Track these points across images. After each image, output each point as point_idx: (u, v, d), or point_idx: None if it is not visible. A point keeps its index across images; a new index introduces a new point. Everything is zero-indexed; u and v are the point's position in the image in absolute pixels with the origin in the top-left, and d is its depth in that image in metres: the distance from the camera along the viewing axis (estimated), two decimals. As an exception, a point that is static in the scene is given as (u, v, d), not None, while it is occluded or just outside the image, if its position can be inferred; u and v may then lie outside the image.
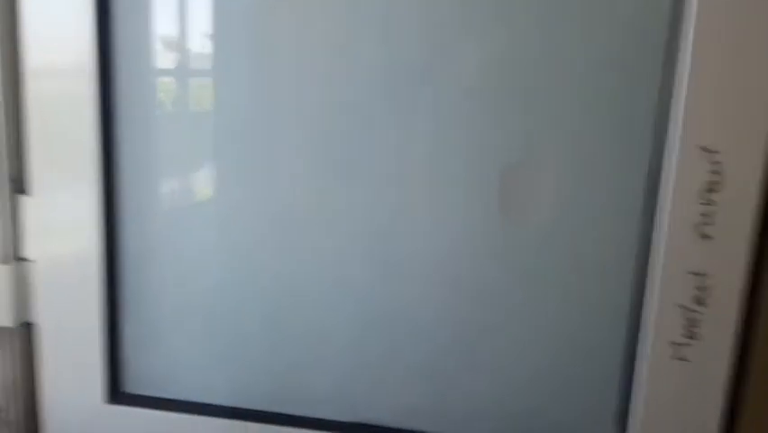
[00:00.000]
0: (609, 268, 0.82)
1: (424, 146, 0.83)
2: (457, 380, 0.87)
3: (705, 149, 0.76)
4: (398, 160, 0.83)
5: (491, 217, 0.82)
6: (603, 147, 0.79)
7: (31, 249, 0.94)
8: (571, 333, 0.84)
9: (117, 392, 0.95)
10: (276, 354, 0.91)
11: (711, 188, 0.77)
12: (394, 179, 0.84)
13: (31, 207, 0.92)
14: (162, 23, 0.89)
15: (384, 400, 0.89)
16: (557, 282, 0.83)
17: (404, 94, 0.81)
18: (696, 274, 0.78)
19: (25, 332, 0.97)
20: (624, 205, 0.80)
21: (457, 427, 0.88)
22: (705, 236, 0.77)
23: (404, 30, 0.80)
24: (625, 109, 0.78)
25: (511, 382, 0.86)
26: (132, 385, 0.95)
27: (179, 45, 0.90)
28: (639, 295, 0.80)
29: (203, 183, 0.92)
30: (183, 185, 0.93)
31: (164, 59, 0.90)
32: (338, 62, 0.83)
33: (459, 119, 0.81)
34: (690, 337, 0.79)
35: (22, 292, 0.95)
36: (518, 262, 0.83)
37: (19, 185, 0.93)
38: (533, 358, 0.85)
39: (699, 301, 0.79)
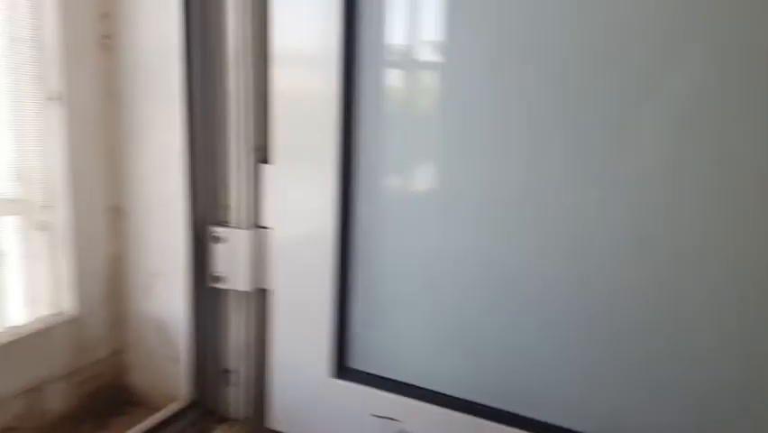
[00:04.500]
0: None
1: (665, 139, 0.72)
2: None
3: None
4: (638, 153, 0.73)
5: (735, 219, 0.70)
6: None
7: (269, 217, 0.95)
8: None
9: (343, 367, 0.93)
10: (503, 349, 0.84)
11: None
12: (635, 175, 0.74)
13: (272, 175, 0.93)
14: (404, 16, 0.86)
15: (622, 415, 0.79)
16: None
17: (647, 84, 0.71)
18: None
19: (260, 298, 0.98)
20: None
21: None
22: None
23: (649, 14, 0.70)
24: None
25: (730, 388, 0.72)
26: (357, 361, 0.93)
27: (419, 37, 0.86)
28: None
29: (435, 171, 0.87)
30: (416, 170, 0.89)
31: (405, 49, 0.87)
32: (580, 46, 0.74)
33: (705, 116, 0.69)
34: None
35: (259, 259, 0.96)
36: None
37: (262, 154, 0.94)
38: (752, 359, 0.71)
39: None
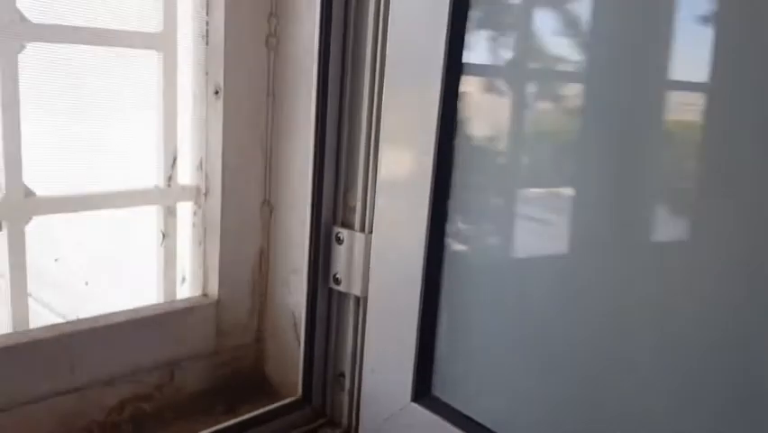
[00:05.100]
0: None
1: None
2: None
3: None
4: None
5: None
6: None
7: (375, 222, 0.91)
8: None
9: (424, 393, 0.86)
10: (592, 409, 0.69)
11: None
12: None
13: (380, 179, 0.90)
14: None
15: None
16: None
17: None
18: None
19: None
20: None
21: None
22: None
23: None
24: None
25: None
26: (440, 390, 0.85)
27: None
28: None
29: (535, 210, 0.76)
30: (511, 192, 0.79)
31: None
32: None
33: None
34: None
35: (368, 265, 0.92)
36: None
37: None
38: None
39: None
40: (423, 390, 0.85)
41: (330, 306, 0.97)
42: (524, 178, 0.77)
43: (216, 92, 1.02)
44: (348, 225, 0.94)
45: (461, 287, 0.82)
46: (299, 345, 1.02)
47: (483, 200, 0.80)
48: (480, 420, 0.78)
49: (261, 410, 0.96)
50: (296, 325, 1.05)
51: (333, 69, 0.92)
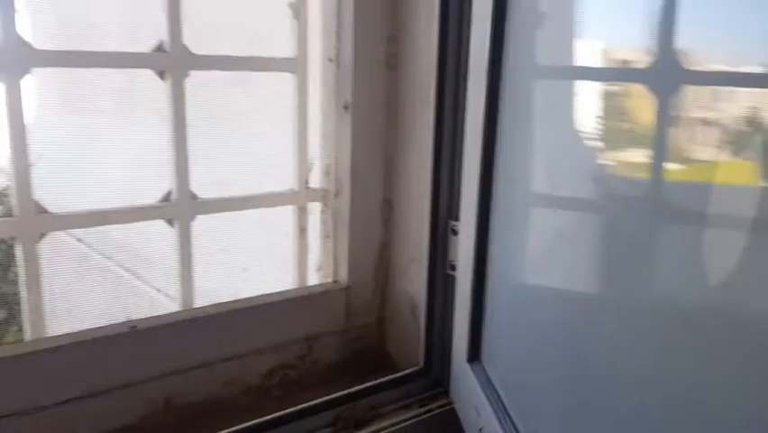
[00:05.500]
0: None
1: None
2: None
3: None
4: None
5: None
6: None
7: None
8: None
9: (474, 357, 1.04)
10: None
11: None
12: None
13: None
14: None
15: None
16: None
17: None
18: None
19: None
20: None
21: None
22: None
23: None
24: None
25: None
26: (486, 358, 1.02)
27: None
28: None
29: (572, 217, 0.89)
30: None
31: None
32: None
33: None
34: None
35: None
36: None
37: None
38: None
39: None
40: (474, 355, 1.03)
41: (446, 289, 1.13)
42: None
43: (346, 107, 1.19)
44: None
45: (500, 277, 0.99)
46: (417, 326, 1.18)
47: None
48: (503, 397, 0.95)
49: (390, 377, 1.12)
50: (413, 308, 1.21)
51: (448, 84, 1.08)
